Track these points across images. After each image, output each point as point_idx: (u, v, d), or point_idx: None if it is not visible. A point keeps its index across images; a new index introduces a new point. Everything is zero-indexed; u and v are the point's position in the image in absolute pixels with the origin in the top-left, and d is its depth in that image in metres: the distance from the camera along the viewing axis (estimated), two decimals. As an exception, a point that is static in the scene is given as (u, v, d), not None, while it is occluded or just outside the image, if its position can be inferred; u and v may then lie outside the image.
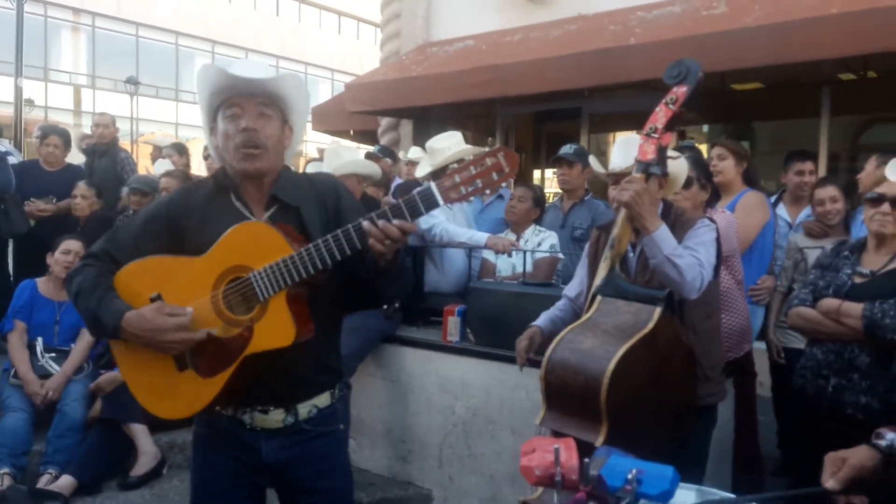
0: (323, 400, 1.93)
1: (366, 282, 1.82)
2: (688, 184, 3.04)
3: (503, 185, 1.66)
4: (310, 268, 1.68)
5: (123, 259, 1.86)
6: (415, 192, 1.64)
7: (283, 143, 1.90)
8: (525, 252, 3.81)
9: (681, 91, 2.30)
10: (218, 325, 1.75)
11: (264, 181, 1.88)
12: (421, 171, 4.38)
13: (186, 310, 1.74)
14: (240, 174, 1.86)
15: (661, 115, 2.30)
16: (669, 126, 2.30)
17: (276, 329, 1.72)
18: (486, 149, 1.65)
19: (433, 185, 1.63)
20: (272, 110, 1.85)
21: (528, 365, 2.64)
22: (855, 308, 2.60)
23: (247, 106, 1.82)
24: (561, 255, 3.89)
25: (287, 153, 1.97)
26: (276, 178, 1.90)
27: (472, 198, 1.66)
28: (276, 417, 1.86)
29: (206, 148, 5.56)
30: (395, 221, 1.63)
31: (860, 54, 5.41)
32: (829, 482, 1.60)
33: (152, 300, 1.77)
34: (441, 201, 1.62)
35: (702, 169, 3.16)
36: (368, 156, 6.14)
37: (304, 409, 1.89)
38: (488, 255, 4.03)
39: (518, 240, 3.95)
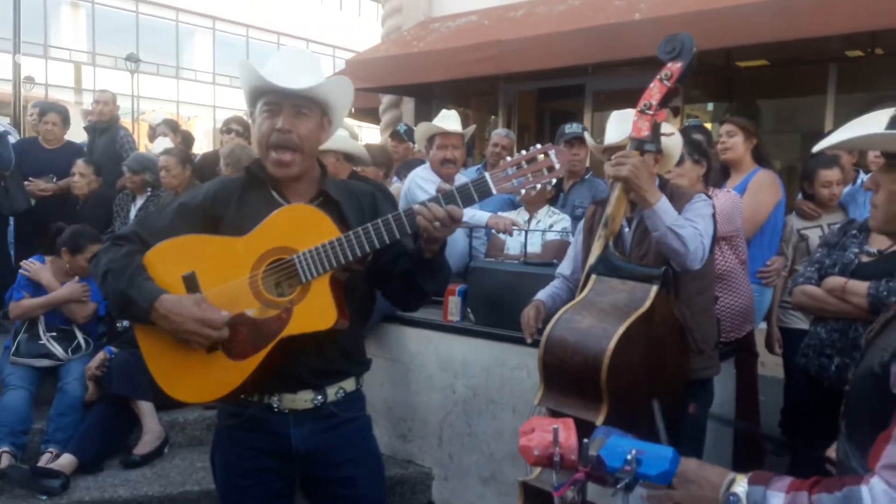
0: (349, 384, 1.93)
1: (407, 275, 1.82)
2: (679, 160, 3.02)
3: (552, 181, 1.71)
4: (357, 250, 1.68)
5: (154, 242, 1.82)
6: (469, 181, 1.67)
7: (319, 138, 1.89)
8: (526, 232, 3.77)
9: (675, 67, 2.27)
10: (255, 306, 1.73)
11: (302, 178, 1.88)
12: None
13: (223, 313, 1.71)
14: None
15: (655, 92, 2.28)
16: (664, 102, 2.28)
17: (316, 311, 1.70)
18: (539, 145, 1.70)
19: (487, 174, 1.66)
20: (309, 109, 1.83)
21: (537, 337, 2.62)
22: (860, 286, 2.58)
23: (283, 104, 1.80)
24: (571, 240, 3.85)
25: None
26: (321, 175, 1.92)
27: (522, 190, 1.70)
28: (304, 397, 1.85)
29: (226, 121, 5.57)
30: (447, 206, 1.64)
31: (868, 30, 5.34)
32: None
33: (185, 278, 1.75)
34: (494, 190, 1.66)
35: (693, 145, 3.13)
36: (393, 135, 6.03)
37: (332, 390, 1.88)
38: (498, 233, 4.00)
39: (531, 220, 3.92)
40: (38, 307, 3.92)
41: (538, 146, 1.70)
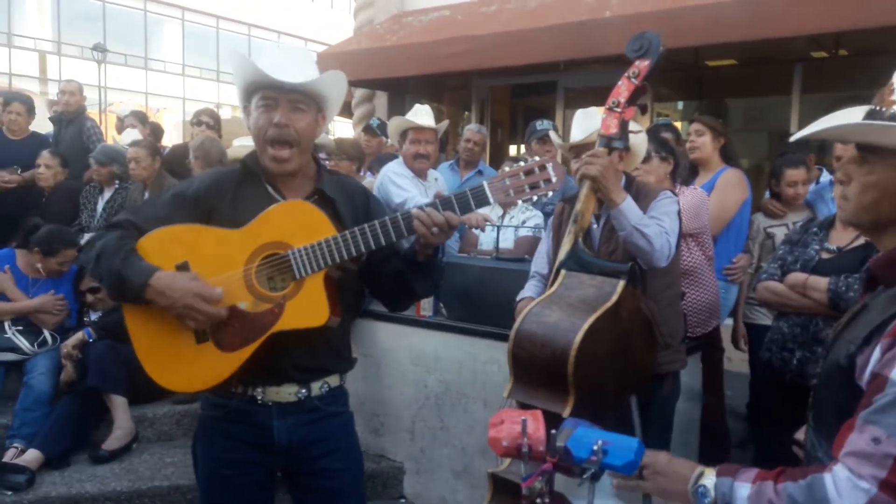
0: (334, 380, 1.95)
1: (398, 276, 1.84)
2: (646, 158, 3.07)
3: (549, 193, 1.74)
4: (353, 250, 1.70)
5: (148, 230, 1.82)
6: (468, 189, 1.70)
7: (315, 133, 1.90)
8: (499, 227, 3.80)
9: (643, 65, 2.31)
10: (248, 300, 1.74)
11: (297, 173, 1.89)
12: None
13: (218, 289, 1.72)
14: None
15: (623, 89, 2.32)
16: (632, 100, 2.33)
17: (309, 308, 1.72)
18: (537, 158, 1.74)
19: (486, 184, 1.69)
20: (306, 104, 1.84)
21: None
22: (820, 282, 2.65)
23: (281, 99, 1.80)
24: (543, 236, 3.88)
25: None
26: (318, 171, 1.93)
27: (519, 201, 1.74)
28: (288, 390, 1.86)
29: (197, 113, 5.49)
30: (445, 213, 1.67)
31: (832, 31, 5.46)
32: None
33: (178, 267, 1.75)
34: (492, 199, 1.69)
35: (659, 143, 3.19)
36: (366, 129, 5.99)
37: (317, 385, 1.90)
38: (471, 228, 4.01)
39: (504, 216, 3.94)
40: (4, 314, 3.84)
41: (536, 159, 1.73)
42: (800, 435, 1.62)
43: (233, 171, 1.94)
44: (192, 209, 1.85)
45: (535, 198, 1.72)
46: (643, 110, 2.61)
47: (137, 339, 1.81)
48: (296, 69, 1.81)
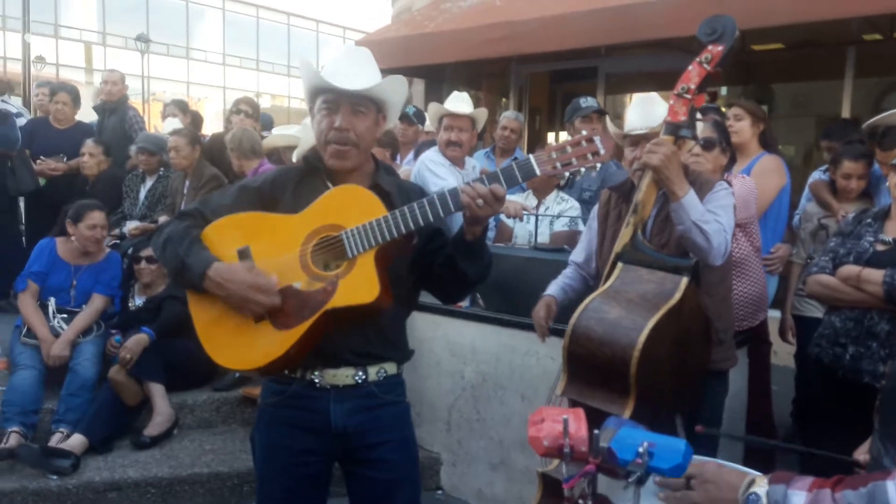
0: (391, 367, 1.97)
1: (449, 262, 1.85)
2: (710, 146, 2.96)
3: (597, 165, 1.72)
4: (402, 227, 1.72)
5: (215, 219, 1.92)
6: (514, 162, 1.70)
7: (375, 135, 1.97)
8: (537, 217, 3.73)
9: (716, 50, 2.19)
10: (302, 279, 1.80)
11: (355, 171, 1.95)
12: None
13: (273, 278, 1.77)
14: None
15: (694, 75, 2.19)
16: (702, 86, 2.20)
17: (360, 285, 1.75)
18: (584, 132, 1.73)
19: (532, 156, 1.70)
20: (366, 107, 1.90)
21: (550, 335, 2.59)
22: (875, 274, 2.54)
23: (342, 102, 1.87)
24: (581, 229, 3.80)
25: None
26: (376, 168, 1.99)
27: (566, 173, 1.73)
28: (346, 373, 1.90)
29: (236, 101, 5.51)
30: (491, 185, 1.67)
31: (888, 13, 5.24)
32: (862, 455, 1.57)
33: (239, 252, 1.82)
34: (538, 171, 1.68)
35: (723, 132, 3.07)
36: (402, 117, 5.93)
37: (374, 370, 1.93)
38: (507, 218, 3.95)
39: (539, 206, 3.86)
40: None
41: (583, 132, 1.72)
42: (860, 454, 1.53)
43: (296, 168, 2.05)
44: (256, 201, 1.93)
45: (583, 169, 1.71)
46: (712, 98, 2.50)
47: (199, 319, 1.88)
48: (357, 74, 1.88)
